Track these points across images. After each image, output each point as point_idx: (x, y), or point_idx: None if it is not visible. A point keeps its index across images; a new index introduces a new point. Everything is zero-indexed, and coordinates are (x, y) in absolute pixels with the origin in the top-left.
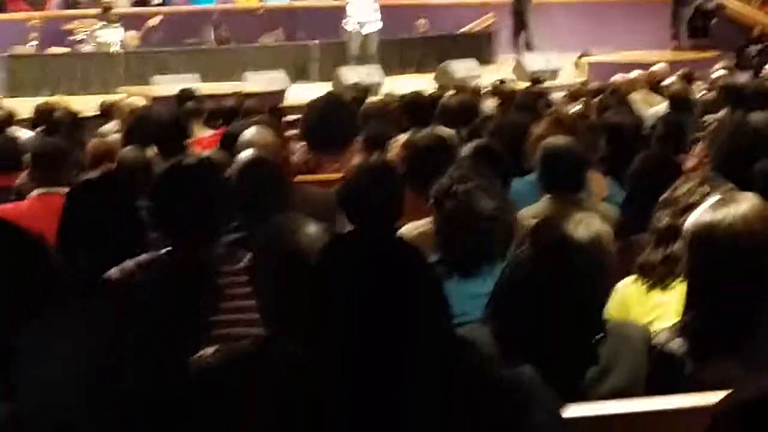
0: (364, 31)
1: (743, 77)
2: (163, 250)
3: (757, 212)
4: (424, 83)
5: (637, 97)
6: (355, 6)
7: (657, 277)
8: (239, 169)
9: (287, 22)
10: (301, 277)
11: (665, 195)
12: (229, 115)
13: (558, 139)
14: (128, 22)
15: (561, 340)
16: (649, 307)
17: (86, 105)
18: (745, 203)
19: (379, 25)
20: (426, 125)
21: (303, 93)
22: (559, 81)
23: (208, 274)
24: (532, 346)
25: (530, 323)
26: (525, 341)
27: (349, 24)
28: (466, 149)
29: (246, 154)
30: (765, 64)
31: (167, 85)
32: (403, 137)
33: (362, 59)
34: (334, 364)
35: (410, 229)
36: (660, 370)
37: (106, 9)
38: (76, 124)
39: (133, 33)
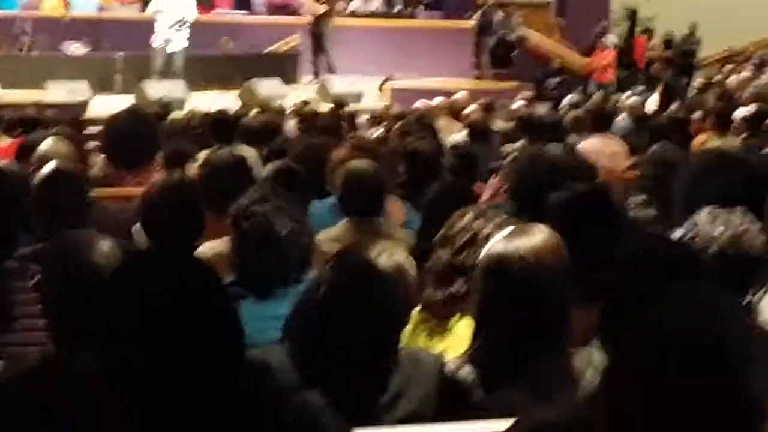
0: (170, 49)
1: (542, 109)
2: None
3: (548, 244)
4: (228, 101)
5: (439, 124)
6: (163, 23)
7: (439, 317)
8: (40, 179)
9: (93, 32)
10: (89, 293)
11: (442, 231)
12: (28, 124)
13: (360, 163)
14: None
15: (353, 367)
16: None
17: None
18: (538, 235)
19: (185, 44)
20: (229, 143)
21: (106, 105)
22: (362, 104)
23: None
24: (325, 371)
25: (323, 348)
26: (317, 366)
27: (156, 41)
28: (266, 170)
29: (48, 166)
30: (564, 96)
31: None
32: (204, 154)
33: (166, 75)
34: (122, 383)
35: (207, 248)
36: (449, 397)
37: None
38: None
39: None
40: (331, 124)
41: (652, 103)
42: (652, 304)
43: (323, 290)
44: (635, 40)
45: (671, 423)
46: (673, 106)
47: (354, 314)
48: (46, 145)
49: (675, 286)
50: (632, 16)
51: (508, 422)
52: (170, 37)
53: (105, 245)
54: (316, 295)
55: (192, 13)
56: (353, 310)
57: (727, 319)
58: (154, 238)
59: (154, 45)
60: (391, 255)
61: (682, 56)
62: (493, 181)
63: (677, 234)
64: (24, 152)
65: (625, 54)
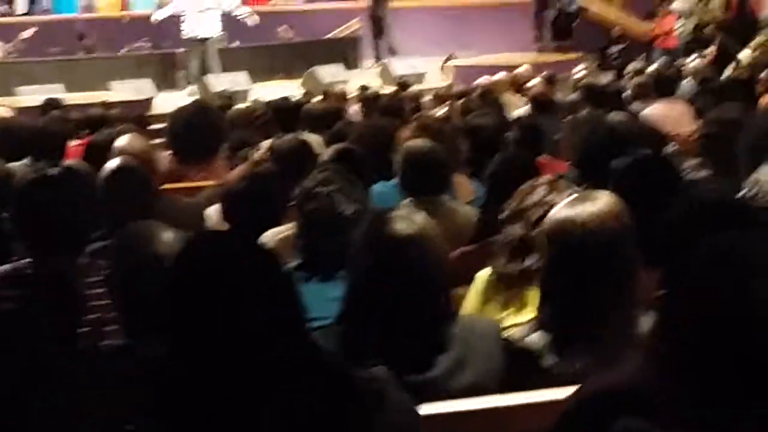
0: (201, 35)
1: (605, 78)
2: (25, 261)
3: (611, 209)
4: (291, 89)
5: (502, 100)
6: (191, 15)
7: (512, 289)
8: (105, 176)
9: (152, 30)
10: (154, 282)
11: (513, 205)
12: (94, 124)
13: (419, 142)
14: None
15: (406, 328)
16: (503, 302)
17: None
18: (600, 201)
19: (217, 31)
20: (292, 131)
21: (169, 102)
22: (425, 85)
23: (70, 285)
24: (382, 343)
25: (374, 319)
26: (374, 340)
27: (184, 30)
28: (327, 152)
29: (112, 162)
30: (627, 64)
31: (32, 96)
32: (267, 143)
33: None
34: (194, 368)
35: (272, 234)
36: (517, 365)
37: None
38: None
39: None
40: (394, 106)
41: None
42: (699, 255)
43: (353, 264)
44: None
45: (723, 372)
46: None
47: (390, 285)
48: (122, 141)
49: (719, 236)
50: None
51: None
52: (198, 24)
53: (168, 235)
54: (350, 272)
55: (227, 3)
56: (388, 280)
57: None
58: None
59: (184, 37)
60: (411, 221)
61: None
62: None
63: (741, 193)
64: (92, 152)
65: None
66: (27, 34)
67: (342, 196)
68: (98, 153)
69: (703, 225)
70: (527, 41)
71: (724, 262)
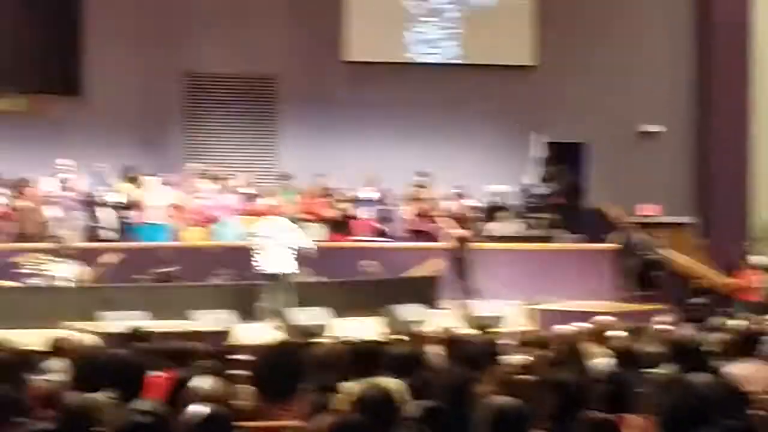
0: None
1: (688, 331)
2: None
3: None
4: (370, 326)
5: (583, 349)
6: (269, 250)
7: None
8: (188, 424)
9: (235, 261)
10: None
11: None
12: (176, 357)
13: (502, 400)
14: (79, 256)
15: None
16: None
17: (32, 340)
18: None
19: (295, 267)
20: (372, 374)
21: (250, 333)
22: (504, 328)
23: None
24: None
25: None
26: None
27: (261, 267)
28: (413, 408)
29: (195, 408)
30: (709, 317)
31: (114, 322)
32: (348, 386)
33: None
34: None
35: None
36: None
37: (59, 245)
38: (22, 364)
39: (84, 268)
40: (474, 352)
41: None
42: None
43: None
44: None
45: None
46: None
47: None
48: (203, 383)
49: None
50: None
51: None
52: (275, 259)
53: None
54: None
55: (302, 242)
56: None
57: None
58: None
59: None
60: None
61: None
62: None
63: None
64: (175, 389)
65: None
66: (110, 258)
67: None
68: (179, 390)
69: None
70: (609, 288)
71: None
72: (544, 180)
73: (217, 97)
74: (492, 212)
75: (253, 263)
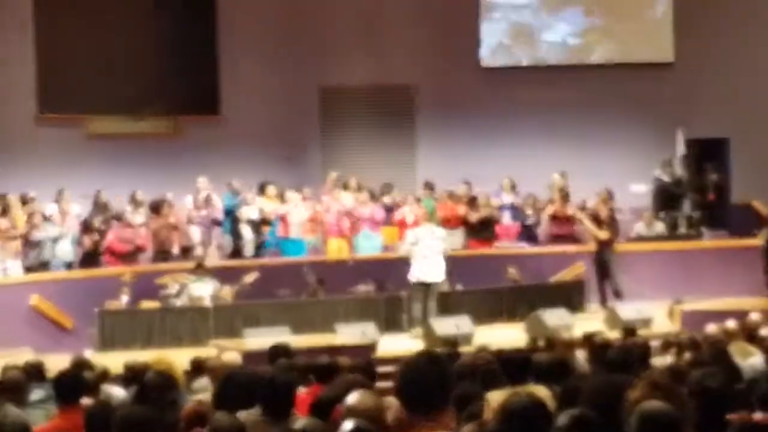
0: (425, 280)
1: None
2: None
3: None
4: (514, 333)
5: (732, 349)
6: (418, 260)
7: None
8: None
9: (377, 272)
10: None
11: None
12: (322, 372)
13: (654, 405)
14: (220, 275)
15: None
16: None
17: (178, 359)
18: None
19: (442, 276)
20: (519, 382)
21: (394, 344)
22: (652, 330)
23: None
24: None
25: None
26: None
27: (411, 275)
28: (563, 418)
29: (345, 427)
30: None
31: (258, 339)
32: (494, 395)
33: (425, 309)
34: None
35: None
36: None
37: (199, 264)
38: (167, 385)
39: (226, 287)
40: (622, 356)
41: None
42: None
43: None
44: None
45: None
46: None
47: None
48: (352, 398)
49: None
50: None
51: None
52: (423, 268)
53: None
54: None
55: (449, 250)
56: None
57: None
58: None
59: (411, 279)
60: None
61: None
62: None
63: None
64: (320, 405)
65: None
66: (250, 278)
67: None
68: (327, 406)
69: None
70: (757, 285)
71: None
72: (688, 177)
73: (355, 109)
74: (635, 212)
75: (408, 272)
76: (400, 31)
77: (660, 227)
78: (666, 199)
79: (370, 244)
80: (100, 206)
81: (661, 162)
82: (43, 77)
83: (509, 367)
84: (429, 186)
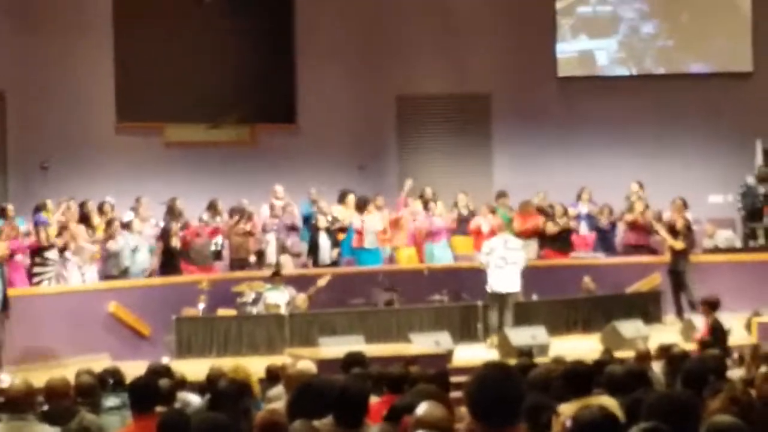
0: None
1: None
2: None
3: None
4: (590, 344)
5: None
6: (496, 269)
7: None
8: None
9: (452, 282)
10: None
11: None
12: (395, 382)
13: (725, 419)
14: (296, 283)
15: None
16: None
17: (253, 367)
18: None
19: (515, 287)
20: (586, 393)
21: (469, 354)
22: (729, 342)
23: None
24: None
25: None
26: None
27: (489, 287)
28: (633, 429)
29: None
30: None
31: (333, 347)
32: (565, 407)
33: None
34: None
35: None
36: None
37: (276, 271)
38: (242, 392)
39: (301, 295)
40: (698, 370)
41: None
42: None
43: None
44: None
45: None
46: None
47: None
48: (422, 409)
49: None
50: None
51: None
52: (500, 278)
53: None
54: None
55: (522, 258)
56: None
57: None
58: None
59: (487, 290)
60: None
61: None
62: None
63: None
64: (393, 415)
65: None
66: (322, 282)
67: None
68: (401, 416)
69: None
70: None
71: None
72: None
73: (431, 118)
74: (712, 223)
75: (486, 282)
76: (477, 40)
77: (737, 237)
78: (745, 209)
79: (442, 254)
80: (175, 213)
81: (739, 172)
82: (122, 86)
83: (581, 378)
84: (502, 194)
